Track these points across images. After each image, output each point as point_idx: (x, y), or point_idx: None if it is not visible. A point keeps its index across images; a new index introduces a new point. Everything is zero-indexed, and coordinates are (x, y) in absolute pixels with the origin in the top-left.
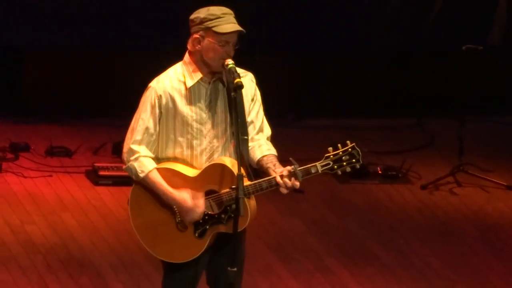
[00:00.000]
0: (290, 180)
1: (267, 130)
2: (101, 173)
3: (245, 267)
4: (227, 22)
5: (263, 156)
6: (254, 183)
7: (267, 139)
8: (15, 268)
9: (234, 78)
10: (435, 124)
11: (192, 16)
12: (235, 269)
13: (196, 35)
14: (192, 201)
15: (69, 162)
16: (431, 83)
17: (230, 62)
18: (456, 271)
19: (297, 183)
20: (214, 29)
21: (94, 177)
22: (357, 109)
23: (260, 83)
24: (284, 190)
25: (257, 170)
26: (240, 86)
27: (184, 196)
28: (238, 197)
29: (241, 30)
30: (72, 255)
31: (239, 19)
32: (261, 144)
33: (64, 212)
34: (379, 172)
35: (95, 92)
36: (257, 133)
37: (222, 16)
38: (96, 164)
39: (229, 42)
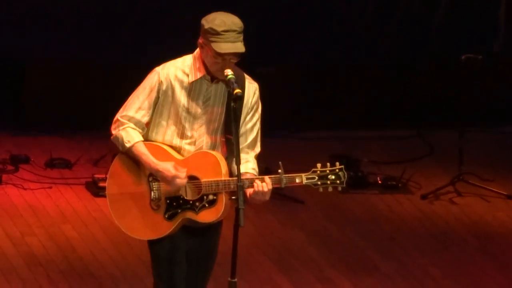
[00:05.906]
0: (271, 183)
1: (258, 148)
2: (101, 184)
3: (246, 278)
4: (226, 41)
5: (246, 173)
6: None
7: (255, 157)
8: (15, 280)
9: (234, 89)
10: (435, 134)
11: (202, 20)
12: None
13: (200, 40)
14: (175, 171)
15: (69, 173)
16: (431, 93)
17: (229, 73)
18: (456, 281)
19: (270, 184)
20: (211, 45)
21: (94, 189)
22: (357, 120)
23: (260, 95)
24: (262, 189)
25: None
26: (240, 97)
27: (167, 166)
28: (239, 208)
29: (237, 52)
30: (72, 266)
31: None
32: (249, 161)
33: (65, 224)
34: (379, 182)
35: (95, 104)
36: (248, 147)
37: (222, 33)
38: (96, 176)
39: (226, 59)
